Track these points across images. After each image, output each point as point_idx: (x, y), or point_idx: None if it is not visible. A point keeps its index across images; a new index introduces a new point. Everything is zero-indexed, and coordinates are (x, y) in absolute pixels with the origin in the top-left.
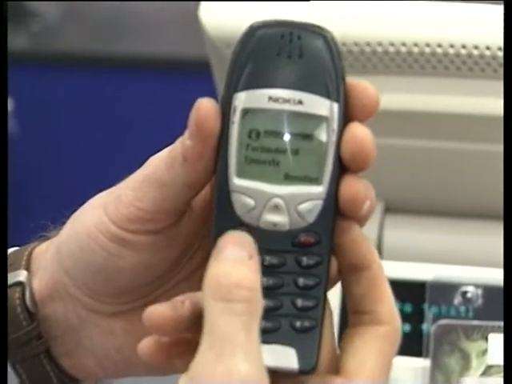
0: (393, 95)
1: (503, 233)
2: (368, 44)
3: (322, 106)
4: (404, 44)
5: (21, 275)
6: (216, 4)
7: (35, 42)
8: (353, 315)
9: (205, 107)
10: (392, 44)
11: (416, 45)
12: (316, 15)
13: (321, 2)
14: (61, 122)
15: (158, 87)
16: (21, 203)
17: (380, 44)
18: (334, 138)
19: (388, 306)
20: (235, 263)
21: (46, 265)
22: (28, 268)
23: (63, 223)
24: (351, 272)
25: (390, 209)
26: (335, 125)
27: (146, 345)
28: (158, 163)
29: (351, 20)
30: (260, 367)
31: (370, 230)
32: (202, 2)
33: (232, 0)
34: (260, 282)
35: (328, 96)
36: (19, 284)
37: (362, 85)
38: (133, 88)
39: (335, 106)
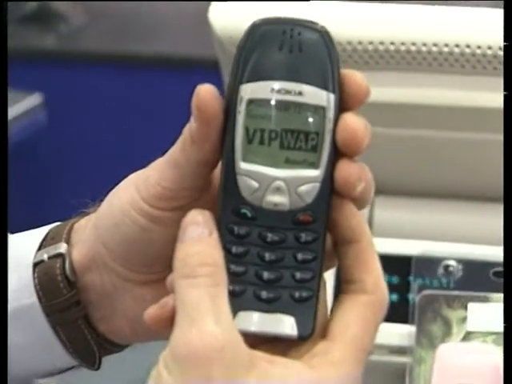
0: (385, 89)
1: (503, 233)
2: (371, 43)
3: (320, 97)
4: (403, 43)
5: (61, 247)
6: (225, 5)
7: (63, 42)
8: (343, 284)
9: (203, 92)
10: (392, 43)
11: (414, 44)
12: (320, 15)
13: (326, 2)
14: (85, 113)
15: (173, 83)
16: (48, 188)
17: (382, 43)
18: (330, 126)
19: (374, 277)
20: (197, 242)
21: (85, 238)
22: (68, 241)
23: (101, 201)
24: (343, 244)
25: (380, 191)
26: (331, 114)
27: (150, 313)
28: (174, 146)
29: (355, 20)
30: (230, 328)
31: (361, 211)
32: (212, 4)
33: (241, 0)
34: (222, 254)
35: (325, 88)
36: (60, 255)
37: (353, 75)
38: (150, 83)
39: (332, 96)
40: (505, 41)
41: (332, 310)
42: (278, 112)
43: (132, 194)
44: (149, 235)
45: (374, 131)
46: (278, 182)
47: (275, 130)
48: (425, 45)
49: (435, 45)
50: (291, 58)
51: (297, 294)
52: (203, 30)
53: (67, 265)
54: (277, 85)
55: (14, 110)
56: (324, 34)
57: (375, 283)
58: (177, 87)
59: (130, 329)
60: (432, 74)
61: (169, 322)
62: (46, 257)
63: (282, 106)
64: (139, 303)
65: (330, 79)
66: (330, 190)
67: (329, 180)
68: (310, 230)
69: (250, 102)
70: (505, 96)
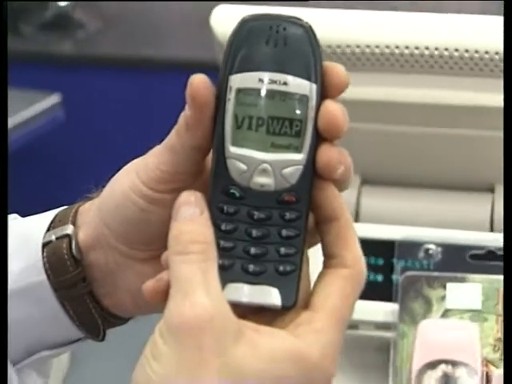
0: (367, 89)
1: (504, 235)
2: (358, 46)
3: (303, 87)
4: (388, 47)
5: (68, 229)
6: (226, 11)
7: (79, 47)
8: (324, 259)
9: (196, 81)
10: (377, 46)
11: (397, 47)
12: (314, 21)
13: (320, 9)
14: (99, 112)
15: (181, 85)
16: (65, 177)
17: (368, 46)
18: (312, 114)
19: (353, 253)
20: (189, 221)
21: (89, 220)
22: (74, 223)
23: (103, 186)
24: (324, 223)
25: (366, 181)
26: (314, 102)
27: (147, 286)
28: (171, 133)
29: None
30: (219, 301)
31: (349, 199)
32: (214, 10)
33: (243, 1)
34: (213, 231)
35: (308, 78)
36: (66, 236)
37: (334, 67)
38: (159, 85)
39: (314, 86)
40: (505, 42)
41: (314, 283)
42: (264, 100)
43: (132, 178)
44: (148, 216)
45: (364, 127)
46: (264, 164)
47: (262, 116)
48: (407, 47)
49: (417, 48)
50: (277, 51)
51: (281, 268)
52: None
53: (73, 245)
54: (264, 75)
55: (34, 109)
56: (308, 30)
57: (354, 258)
58: (184, 89)
59: (131, 302)
60: (412, 75)
61: (164, 294)
62: (54, 238)
63: (269, 94)
64: (140, 279)
65: (312, 70)
66: (313, 173)
67: (311, 163)
68: (294, 209)
69: (239, 91)
70: (505, 97)
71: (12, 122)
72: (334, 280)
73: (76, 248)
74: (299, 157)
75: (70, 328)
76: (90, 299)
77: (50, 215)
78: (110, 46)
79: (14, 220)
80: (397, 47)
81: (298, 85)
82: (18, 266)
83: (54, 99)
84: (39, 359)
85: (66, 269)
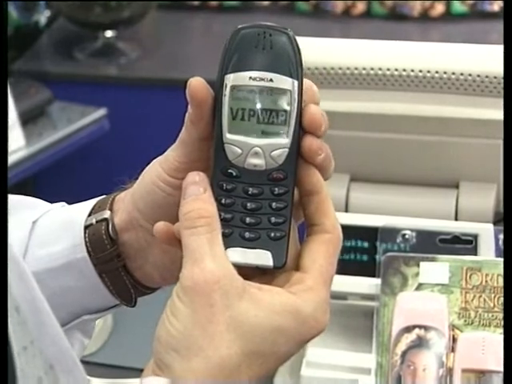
0: (361, 104)
1: (504, 239)
2: (356, 68)
3: (286, 83)
4: (372, 68)
5: (106, 214)
6: None
7: (122, 70)
8: (308, 228)
9: (193, 83)
10: (372, 68)
11: (380, 68)
12: (312, 49)
13: (320, 39)
14: (136, 123)
15: None
16: (109, 178)
17: (364, 68)
18: (295, 105)
19: (332, 220)
20: (195, 200)
21: (123, 207)
22: (111, 209)
23: (136, 178)
24: (307, 196)
25: (354, 179)
26: (296, 95)
27: (159, 226)
28: (181, 131)
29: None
30: (224, 265)
31: (340, 193)
32: None
33: None
34: (215, 206)
35: (290, 76)
36: (105, 220)
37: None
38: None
39: (295, 82)
40: (505, 42)
41: (301, 248)
42: (254, 95)
43: (158, 169)
44: (172, 199)
45: (353, 135)
46: (256, 148)
47: (253, 108)
48: (388, 69)
49: (396, 69)
50: (264, 54)
51: (272, 234)
52: None
53: (110, 227)
54: (253, 74)
55: (85, 120)
56: (290, 36)
57: (333, 225)
58: None
59: (158, 275)
60: (392, 92)
61: (172, 236)
62: (94, 221)
63: (258, 90)
64: (165, 254)
65: (294, 70)
66: (297, 154)
67: (295, 146)
68: (282, 185)
69: (233, 87)
70: (505, 102)
71: (68, 130)
72: (318, 244)
73: (112, 229)
74: (285, 141)
75: (107, 296)
76: (124, 272)
77: (91, 203)
78: (146, 70)
79: (62, 207)
80: (388, 69)
81: (282, 81)
82: (65, 245)
83: (101, 112)
84: (82, 322)
85: (104, 247)
